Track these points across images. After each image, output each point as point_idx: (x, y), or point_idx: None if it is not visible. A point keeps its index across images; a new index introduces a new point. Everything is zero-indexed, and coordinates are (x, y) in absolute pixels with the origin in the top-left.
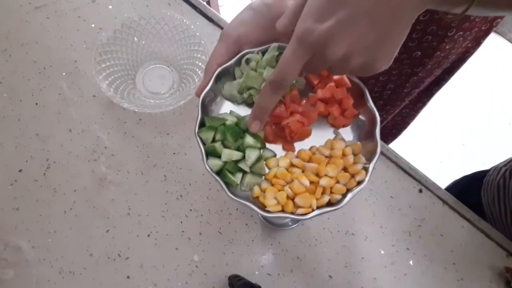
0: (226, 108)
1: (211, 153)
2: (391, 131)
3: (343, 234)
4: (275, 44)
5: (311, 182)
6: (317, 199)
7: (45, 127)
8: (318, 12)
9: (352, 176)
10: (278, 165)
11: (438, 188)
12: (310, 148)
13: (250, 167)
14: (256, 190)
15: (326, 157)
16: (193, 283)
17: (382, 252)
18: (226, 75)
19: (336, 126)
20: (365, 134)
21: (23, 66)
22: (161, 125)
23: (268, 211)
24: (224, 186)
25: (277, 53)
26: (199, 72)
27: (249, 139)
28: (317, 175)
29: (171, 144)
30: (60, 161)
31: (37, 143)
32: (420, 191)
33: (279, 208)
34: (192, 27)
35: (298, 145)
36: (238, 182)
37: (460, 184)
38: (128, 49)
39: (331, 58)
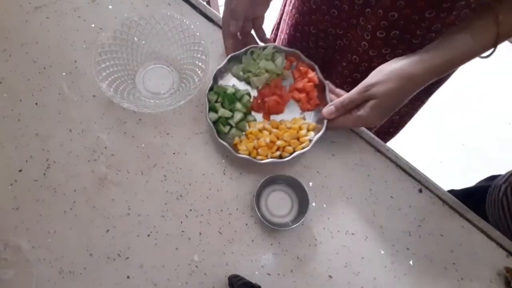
0: (231, 82)
1: (212, 109)
2: (389, 130)
3: (343, 234)
4: (272, 44)
5: (271, 141)
6: (272, 153)
7: (45, 127)
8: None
9: (301, 143)
10: (255, 126)
11: (438, 188)
12: (280, 121)
13: (236, 124)
14: (236, 140)
15: (288, 128)
16: (193, 283)
17: (382, 252)
18: (236, 59)
19: (303, 110)
20: (321, 120)
21: (23, 66)
22: (161, 125)
23: (239, 153)
24: (215, 132)
25: (273, 50)
26: (199, 72)
27: (238, 105)
28: (277, 137)
29: (171, 144)
30: (60, 161)
31: (37, 143)
32: (420, 191)
33: (247, 153)
34: (192, 27)
35: (274, 118)
36: (226, 132)
37: (461, 195)
38: (128, 49)
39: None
